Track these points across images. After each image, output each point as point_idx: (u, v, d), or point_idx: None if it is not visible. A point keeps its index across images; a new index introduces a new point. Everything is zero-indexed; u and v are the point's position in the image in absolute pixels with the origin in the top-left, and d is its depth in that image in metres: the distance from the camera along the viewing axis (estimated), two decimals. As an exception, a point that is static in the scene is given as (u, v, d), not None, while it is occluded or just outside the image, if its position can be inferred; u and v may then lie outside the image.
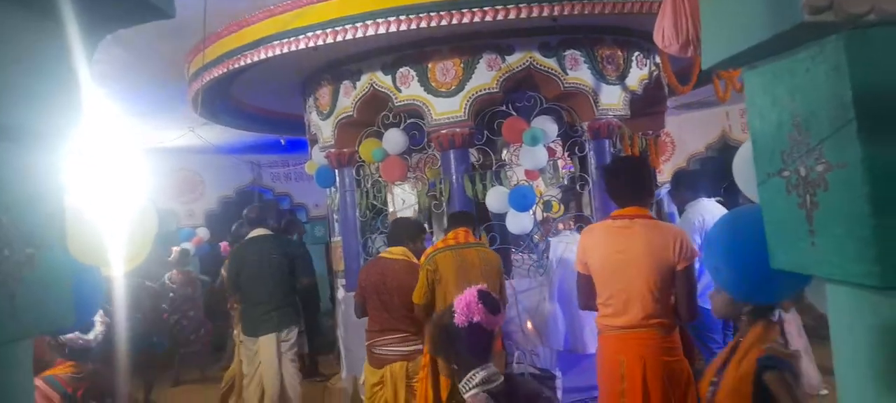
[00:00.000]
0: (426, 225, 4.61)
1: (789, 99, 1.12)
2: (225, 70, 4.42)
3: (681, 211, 4.71)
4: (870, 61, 0.96)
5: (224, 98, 5.51)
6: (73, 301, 1.27)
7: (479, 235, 4.50)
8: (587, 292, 2.93)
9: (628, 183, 2.87)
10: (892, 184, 0.94)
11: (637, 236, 2.76)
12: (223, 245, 8.46)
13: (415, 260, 3.79)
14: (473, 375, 1.92)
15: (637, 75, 4.74)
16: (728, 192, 4.58)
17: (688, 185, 4.58)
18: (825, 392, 4.36)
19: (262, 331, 4.60)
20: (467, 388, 1.91)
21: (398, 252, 3.83)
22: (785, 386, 1.93)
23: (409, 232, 3.93)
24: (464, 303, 1.95)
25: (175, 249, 7.32)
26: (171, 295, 6.89)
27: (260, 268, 4.58)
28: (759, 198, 1.23)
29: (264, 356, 4.63)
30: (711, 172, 9.04)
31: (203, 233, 8.95)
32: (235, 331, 5.48)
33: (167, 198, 8.98)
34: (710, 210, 4.31)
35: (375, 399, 3.78)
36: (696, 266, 4.11)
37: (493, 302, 1.97)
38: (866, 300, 1.01)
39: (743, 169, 1.41)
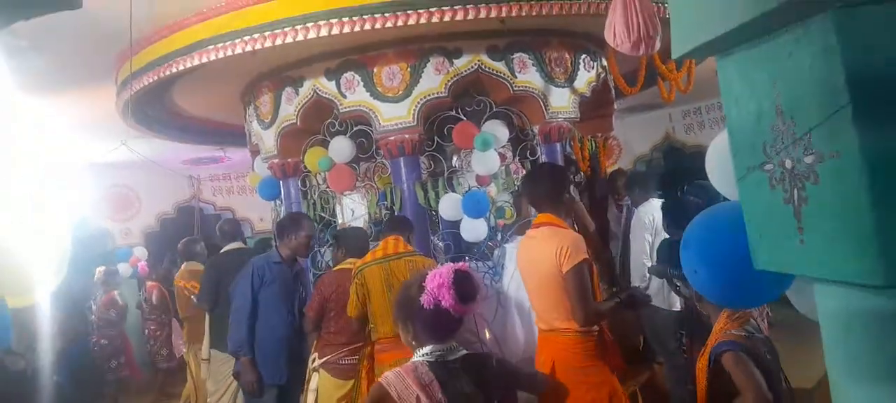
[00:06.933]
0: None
1: (770, 86, 1.04)
2: (156, 77, 4.14)
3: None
4: (863, 41, 0.88)
5: (157, 107, 5.20)
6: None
7: (430, 243, 4.41)
8: None
9: (539, 190, 2.98)
10: (892, 174, 0.86)
11: (538, 245, 2.86)
12: (141, 266, 8.05)
13: None
14: (425, 347, 1.85)
15: (585, 77, 4.72)
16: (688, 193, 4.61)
17: (640, 185, 4.67)
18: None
19: None
20: (416, 357, 1.86)
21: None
22: (739, 364, 1.91)
23: (367, 244, 3.93)
24: (436, 283, 1.80)
25: (99, 270, 6.90)
26: (93, 317, 6.51)
27: None
28: (739, 195, 1.15)
29: None
30: (659, 173, 9.24)
31: (140, 253, 8.48)
32: (188, 349, 5.22)
33: (101, 217, 8.49)
34: (658, 209, 4.37)
35: None
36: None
37: (467, 288, 1.83)
38: (864, 300, 0.93)
39: (717, 164, 1.33)
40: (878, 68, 0.88)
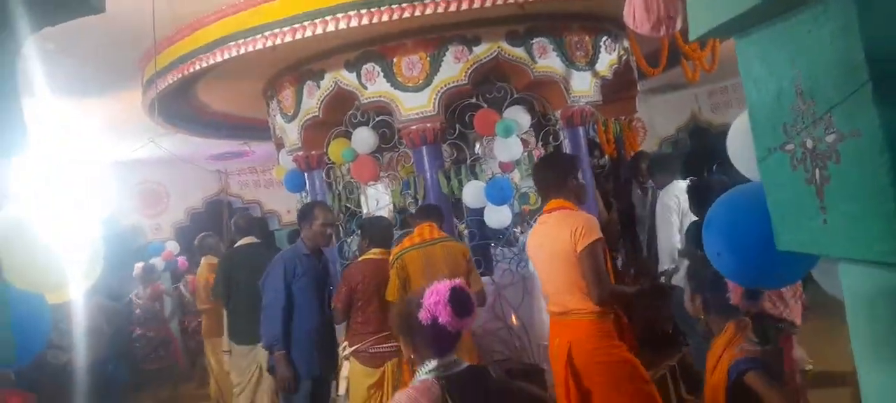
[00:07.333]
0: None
1: (790, 65, 1.03)
2: (180, 75, 4.22)
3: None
4: (883, 17, 0.87)
5: (183, 104, 5.29)
6: (14, 335, 1.13)
7: (456, 230, 4.43)
8: None
9: (546, 178, 3.03)
10: (915, 151, 0.85)
11: (548, 230, 2.91)
12: (180, 260, 8.23)
13: None
14: (428, 363, 1.88)
15: (606, 60, 4.67)
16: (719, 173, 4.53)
17: (663, 168, 4.60)
18: (810, 366, 4.35)
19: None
20: (421, 373, 1.89)
21: (388, 253, 3.83)
22: (768, 383, 1.98)
23: (392, 233, 4.05)
24: (432, 300, 1.84)
25: (138, 266, 7.08)
26: (138, 311, 6.69)
27: (255, 275, 4.16)
28: (761, 176, 1.14)
29: (265, 363, 4.39)
30: (684, 154, 9.11)
31: (172, 247, 8.66)
32: (206, 342, 5.35)
33: (132, 213, 8.69)
34: (683, 191, 4.30)
35: (371, 400, 3.72)
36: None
37: (464, 304, 1.85)
38: (888, 278, 0.92)
39: (738, 144, 1.31)
40: (899, 44, 0.86)
